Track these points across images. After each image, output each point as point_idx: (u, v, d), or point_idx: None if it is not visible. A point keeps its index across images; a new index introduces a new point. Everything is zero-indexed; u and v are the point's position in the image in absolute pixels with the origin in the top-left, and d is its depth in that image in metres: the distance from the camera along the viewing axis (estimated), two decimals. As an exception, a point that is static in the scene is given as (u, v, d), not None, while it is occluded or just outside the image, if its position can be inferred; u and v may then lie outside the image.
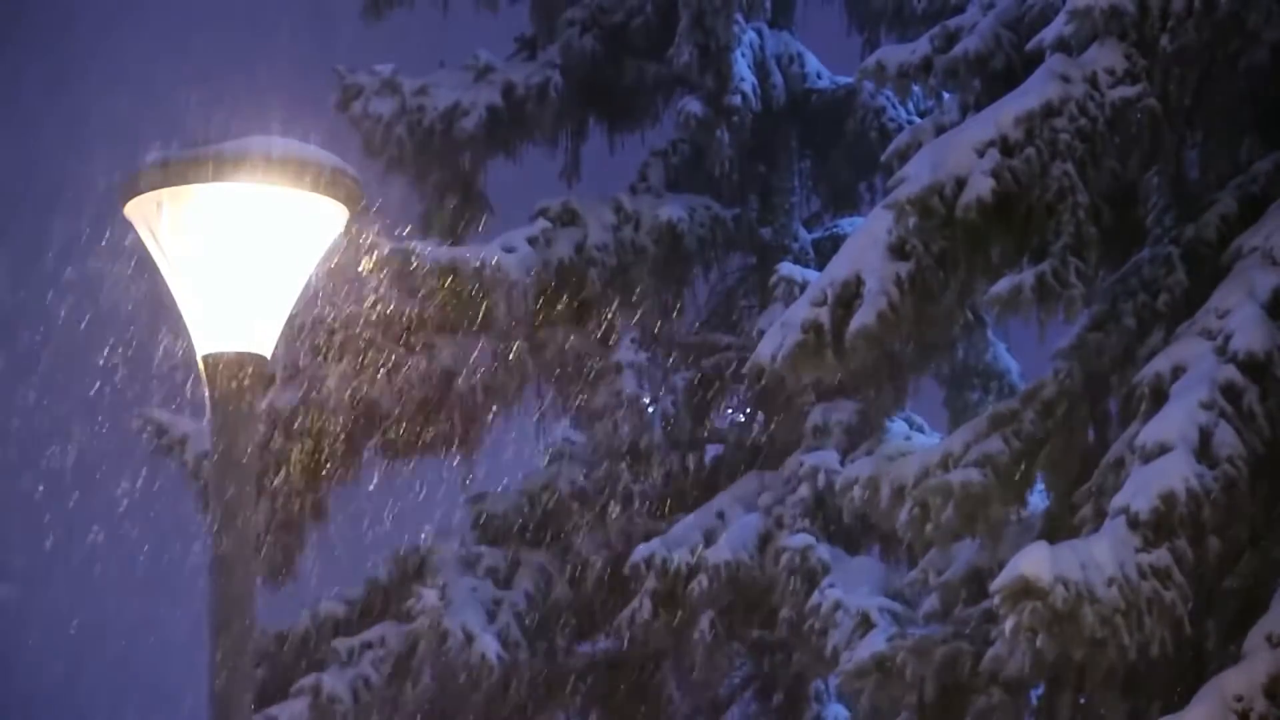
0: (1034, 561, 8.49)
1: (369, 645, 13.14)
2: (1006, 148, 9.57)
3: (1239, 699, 8.45)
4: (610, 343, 13.90)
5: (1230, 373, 8.87)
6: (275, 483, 13.21)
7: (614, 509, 13.74)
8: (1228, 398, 8.82)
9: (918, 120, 13.83)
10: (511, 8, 15.44)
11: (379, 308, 13.31)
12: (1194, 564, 8.63)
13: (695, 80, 14.28)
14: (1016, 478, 10.15)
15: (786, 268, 13.69)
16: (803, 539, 12.59)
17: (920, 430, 13.37)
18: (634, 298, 14.12)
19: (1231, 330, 8.99)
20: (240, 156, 4.97)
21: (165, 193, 5.01)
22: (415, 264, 13.13)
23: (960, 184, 9.60)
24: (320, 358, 13.41)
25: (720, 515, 13.32)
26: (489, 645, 12.90)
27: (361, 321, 13.34)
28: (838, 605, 11.98)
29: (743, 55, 14.28)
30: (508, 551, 13.71)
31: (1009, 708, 9.81)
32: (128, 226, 5.15)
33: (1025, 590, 8.42)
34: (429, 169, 14.83)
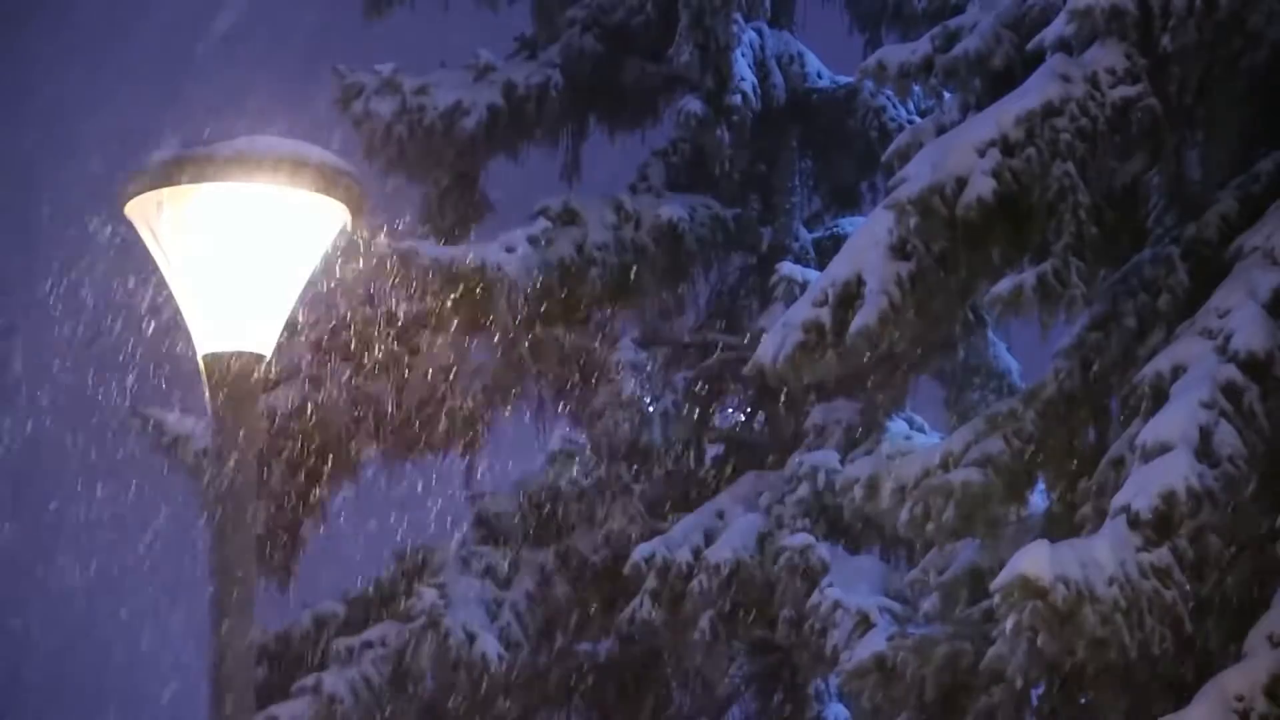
0: (1034, 561, 8.48)
1: (369, 645, 13.13)
2: (1007, 147, 9.56)
3: (1239, 699, 8.44)
4: (610, 343, 13.89)
5: (1231, 372, 8.85)
6: (275, 482, 13.21)
7: (614, 509, 13.73)
8: (1228, 397, 8.81)
9: (918, 120, 13.82)
10: (511, 7, 15.43)
11: (379, 307, 13.31)
12: (1195, 564, 8.62)
13: (695, 80, 14.28)
14: (1016, 478, 10.14)
15: (787, 267, 13.69)
16: (802, 539, 12.59)
17: (920, 430, 13.37)
18: (634, 298, 14.11)
19: (1232, 330, 8.98)
20: (240, 156, 4.97)
21: (165, 192, 5.02)
22: (415, 264, 13.12)
23: (961, 184, 9.59)
24: (320, 357, 13.40)
25: (720, 515, 13.32)
26: (490, 645, 12.89)
27: (361, 321, 13.33)
28: (837, 605, 11.99)
29: (743, 55, 14.27)
30: (508, 551, 13.71)
31: (1009, 707, 9.80)
32: (128, 225, 5.15)
33: (1025, 589, 8.41)
34: (429, 168, 14.83)
